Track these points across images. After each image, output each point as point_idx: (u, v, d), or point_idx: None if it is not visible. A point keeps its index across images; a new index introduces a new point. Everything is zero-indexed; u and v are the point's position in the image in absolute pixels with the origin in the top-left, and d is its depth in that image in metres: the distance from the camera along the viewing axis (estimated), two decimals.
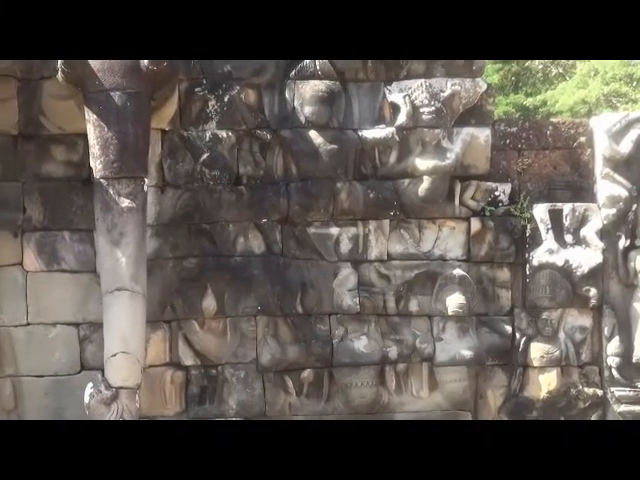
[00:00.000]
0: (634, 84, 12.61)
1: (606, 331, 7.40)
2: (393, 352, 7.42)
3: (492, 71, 11.85)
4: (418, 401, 7.49)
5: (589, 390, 7.41)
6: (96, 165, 6.43)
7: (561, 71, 15.17)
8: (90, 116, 6.43)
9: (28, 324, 7.25)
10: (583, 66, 13.72)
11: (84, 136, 6.58)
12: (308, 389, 7.41)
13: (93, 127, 6.43)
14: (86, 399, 6.27)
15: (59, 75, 6.50)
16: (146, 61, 6.34)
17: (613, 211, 7.35)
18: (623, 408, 7.33)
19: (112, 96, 6.37)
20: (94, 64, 6.34)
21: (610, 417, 7.40)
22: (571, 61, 14.87)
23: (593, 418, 7.43)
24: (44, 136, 7.13)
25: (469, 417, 7.55)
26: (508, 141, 7.60)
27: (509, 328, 7.48)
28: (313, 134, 7.30)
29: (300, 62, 7.35)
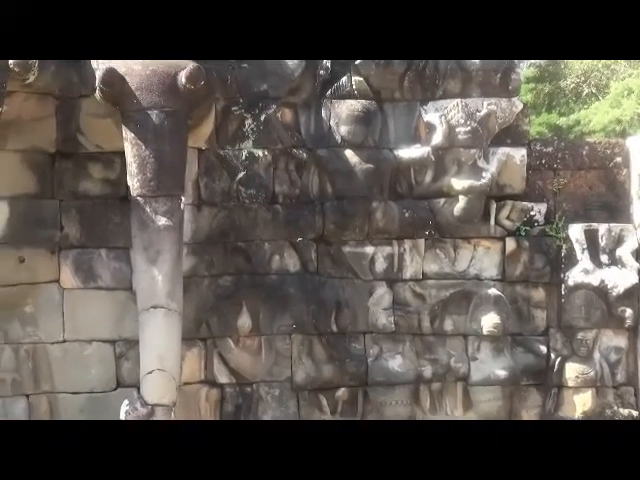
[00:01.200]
0: None
1: None
2: (428, 371, 7.40)
3: (525, 91, 11.86)
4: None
5: (624, 411, 7.36)
6: (133, 183, 6.48)
7: (594, 90, 15.12)
8: (127, 134, 6.49)
9: (64, 341, 7.25)
10: (617, 85, 13.71)
11: (121, 154, 6.64)
12: (342, 408, 7.41)
13: (130, 145, 6.48)
14: (122, 416, 6.30)
15: (97, 93, 6.55)
16: (183, 79, 6.39)
17: None
18: None
19: (149, 115, 6.43)
20: (132, 82, 6.41)
21: None
22: (604, 80, 14.91)
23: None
24: (82, 154, 7.15)
25: None
26: (544, 161, 7.60)
27: (544, 348, 7.44)
28: (349, 153, 7.32)
29: (337, 81, 7.39)
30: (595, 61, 15.71)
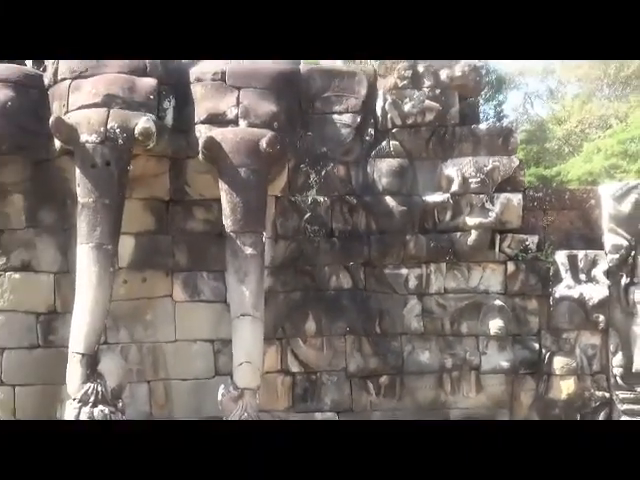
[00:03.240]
0: (627, 159, 12.72)
1: (612, 348, 7.52)
2: (449, 363, 7.63)
3: (519, 150, 12.22)
4: (467, 400, 7.67)
5: (599, 393, 7.53)
6: (227, 222, 6.83)
7: (571, 150, 15.30)
8: (223, 186, 6.89)
9: (176, 341, 7.55)
10: (589, 146, 13.85)
11: (218, 201, 6.94)
12: (385, 391, 7.60)
13: (225, 194, 6.86)
14: (219, 397, 6.63)
15: (200, 155, 6.97)
16: (264, 145, 6.81)
17: (616, 256, 7.50)
18: (625, 407, 7.45)
19: (239, 171, 6.84)
20: (226, 147, 6.83)
21: (615, 414, 7.47)
22: (579, 142, 15.08)
23: (602, 415, 7.51)
24: (188, 201, 7.48)
25: (507, 413, 7.67)
26: (536, 203, 7.79)
27: (537, 345, 7.61)
28: (388, 199, 7.58)
29: (378, 144, 7.71)
30: (573, 127, 15.96)
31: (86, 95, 6.92)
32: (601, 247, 7.69)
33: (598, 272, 7.57)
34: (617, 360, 7.54)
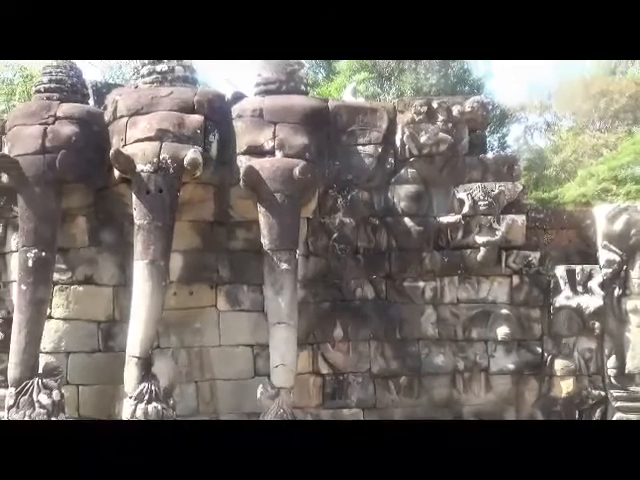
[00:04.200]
0: (617, 184, 12.87)
1: (606, 351, 7.58)
2: (461, 365, 7.67)
3: (521, 176, 12.27)
4: (478, 398, 7.70)
5: (595, 392, 7.58)
6: (265, 241, 6.93)
7: (567, 175, 15.39)
8: (261, 209, 6.99)
9: (220, 345, 7.63)
10: (582, 172, 13.98)
11: (256, 222, 7.03)
12: (404, 390, 7.65)
13: (263, 216, 6.97)
14: (258, 395, 6.74)
15: (241, 183, 7.07)
16: (297, 173, 6.94)
17: (610, 270, 7.58)
18: (619, 404, 7.52)
19: (275, 196, 6.97)
20: (263, 175, 6.95)
21: (610, 410, 7.51)
22: (574, 168, 15.14)
23: (598, 411, 7.53)
24: (231, 222, 7.56)
25: (513, 410, 7.69)
26: (537, 223, 7.83)
27: (539, 349, 7.65)
28: (407, 220, 7.69)
29: (398, 172, 7.83)
30: (568, 155, 16.05)
31: (141, 130, 7.09)
32: (596, 262, 7.71)
33: (593, 284, 7.62)
34: (611, 362, 7.59)
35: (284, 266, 6.90)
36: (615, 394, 7.56)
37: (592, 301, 7.59)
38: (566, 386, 7.60)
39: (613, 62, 19.44)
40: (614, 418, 7.53)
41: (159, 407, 6.69)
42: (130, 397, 6.61)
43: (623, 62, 19.15)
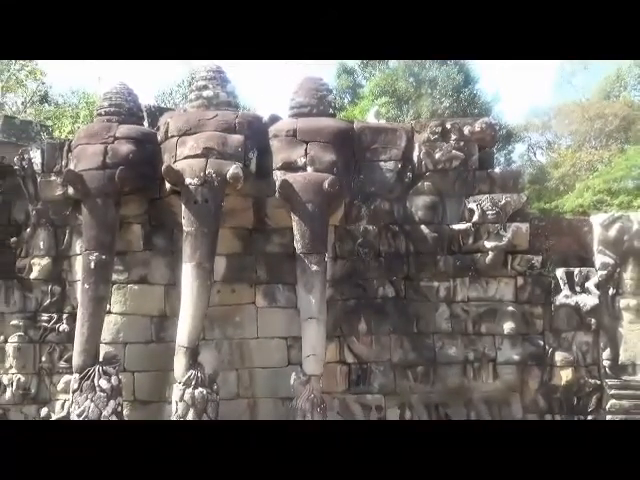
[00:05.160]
0: (611, 195, 12.89)
1: (602, 345, 7.59)
2: (471, 356, 7.68)
3: (525, 188, 12.18)
4: (486, 385, 7.67)
5: (592, 381, 7.60)
6: (297, 246, 7.04)
7: (566, 188, 15.44)
8: (294, 217, 7.11)
9: (258, 337, 7.72)
10: (580, 185, 14.03)
11: (290, 229, 7.16)
12: (421, 378, 7.68)
13: (296, 224, 7.09)
14: (291, 382, 6.88)
15: (277, 194, 7.20)
16: (326, 185, 7.04)
17: (605, 272, 7.60)
18: (613, 392, 7.52)
19: (307, 206, 7.10)
20: (296, 187, 7.04)
21: (605, 397, 7.52)
22: (572, 181, 15.22)
23: (594, 398, 7.55)
24: (268, 229, 7.68)
25: (517, 396, 7.66)
26: (540, 230, 7.84)
27: (541, 342, 7.66)
28: (423, 227, 7.75)
29: (415, 184, 7.89)
30: (567, 170, 16.12)
31: (189, 148, 7.28)
32: (592, 265, 7.74)
33: (590, 285, 7.65)
34: (606, 354, 7.61)
35: (314, 268, 6.97)
36: (610, 382, 7.57)
37: (589, 300, 7.62)
38: (565, 375, 7.60)
39: (608, 86, 19.50)
40: (608, 404, 7.65)
41: (204, 392, 6.81)
42: (179, 382, 6.75)
43: (616, 87, 19.20)
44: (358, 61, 17.64)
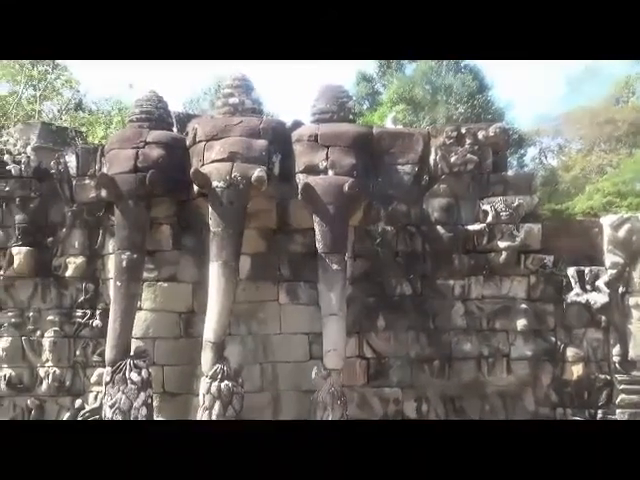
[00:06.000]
0: (620, 197, 12.92)
1: (611, 341, 7.59)
2: (486, 351, 7.69)
3: (537, 191, 12.09)
4: (500, 380, 7.67)
5: (602, 376, 7.60)
6: (319, 245, 7.07)
7: (576, 190, 15.34)
8: (315, 218, 7.16)
9: (281, 333, 7.76)
10: (590, 187, 14.05)
11: (312, 229, 7.21)
12: (437, 372, 7.70)
13: (317, 224, 7.14)
14: (313, 376, 6.90)
15: (299, 196, 7.22)
16: (346, 188, 7.06)
17: (615, 271, 7.60)
18: (623, 387, 7.52)
19: (328, 208, 7.13)
20: (318, 190, 7.07)
21: (615, 392, 7.51)
22: (583, 184, 15.14)
23: (604, 393, 7.53)
24: (291, 229, 7.70)
25: (530, 391, 7.64)
26: (551, 231, 7.77)
27: (553, 339, 7.67)
28: (439, 227, 7.76)
29: (431, 187, 7.88)
30: (577, 173, 16.06)
31: (216, 152, 7.28)
32: (602, 264, 7.72)
33: (600, 283, 7.65)
34: (616, 351, 7.59)
35: (335, 267, 7.00)
36: (619, 378, 7.57)
37: (599, 298, 7.61)
38: (576, 370, 7.62)
39: (617, 92, 19.43)
40: (618, 399, 7.66)
41: (230, 385, 6.87)
42: (206, 376, 6.80)
43: (625, 93, 19.12)
44: (376, 69, 17.65)
